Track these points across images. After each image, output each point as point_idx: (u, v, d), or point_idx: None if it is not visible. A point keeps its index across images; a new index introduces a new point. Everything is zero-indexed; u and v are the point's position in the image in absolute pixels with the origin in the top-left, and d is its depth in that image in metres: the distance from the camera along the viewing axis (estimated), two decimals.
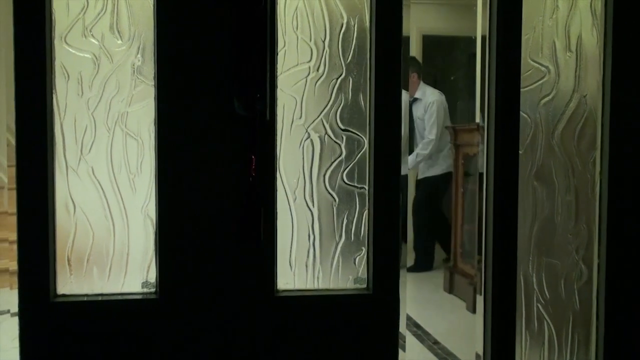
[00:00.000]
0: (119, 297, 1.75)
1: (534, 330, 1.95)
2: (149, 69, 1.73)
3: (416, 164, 4.75)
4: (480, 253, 1.91)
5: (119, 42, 1.72)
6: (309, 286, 1.84)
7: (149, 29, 1.72)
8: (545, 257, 1.94)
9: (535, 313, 1.95)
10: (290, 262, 1.82)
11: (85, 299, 1.74)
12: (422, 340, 3.38)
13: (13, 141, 1.68)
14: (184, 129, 1.72)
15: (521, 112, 1.87)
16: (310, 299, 1.81)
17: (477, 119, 1.96)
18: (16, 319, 1.71)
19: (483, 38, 1.89)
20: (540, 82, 1.91)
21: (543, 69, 1.91)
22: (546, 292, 1.95)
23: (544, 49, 1.91)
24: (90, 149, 1.73)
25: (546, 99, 1.92)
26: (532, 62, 1.90)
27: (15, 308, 1.72)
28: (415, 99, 4.77)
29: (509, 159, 1.86)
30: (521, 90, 1.86)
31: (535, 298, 1.95)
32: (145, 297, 1.76)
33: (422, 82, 4.84)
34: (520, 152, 1.87)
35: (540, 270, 1.94)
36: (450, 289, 4.39)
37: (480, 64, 1.90)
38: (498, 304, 1.89)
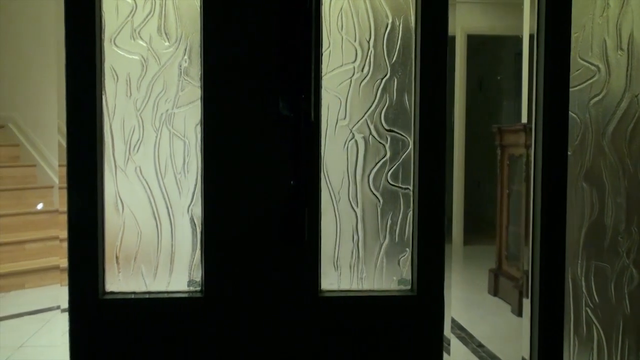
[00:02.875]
0: (165, 296, 1.78)
1: (583, 334, 1.91)
2: (196, 70, 1.75)
3: None
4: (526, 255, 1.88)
5: (167, 43, 1.75)
6: (353, 287, 1.83)
7: (196, 31, 1.74)
8: (595, 260, 1.90)
9: (583, 317, 1.91)
10: (334, 262, 1.82)
11: (132, 296, 1.77)
12: (466, 343, 3.34)
13: (64, 142, 1.72)
14: (230, 129, 1.73)
15: (570, 112, 1.84)
16: (355, 299, 1.81)
17: (523, 119, 1.93)
18: (66, 315, 1.75)
19: (531, 37, 1.86)
20: (590, 81, 1.87)
21: (593, 68, 1.87)
22: (595, 296, 1.91)
23: (594, 48, 1.87)
24: (138, 149, 1.76)
25: (596, 98, 1.88)
26: (581, 61, 1.86)
27: (65, 304, 1.75)
28: None
29: (558, 160, 1.82)
30: (570, 89, 1.83)
31: (583, 302, 1.91)
32: (190, 296, 1.78)
33: None
34: (569, 153, 1.84)
35: (589, 273, 1.90)
36: (495, 291, 4.34)
37: (528, 63, 1.87)
38: (545, 308, 1.86)
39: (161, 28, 1.75)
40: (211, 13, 1.72)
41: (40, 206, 5.29)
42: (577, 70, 1.86)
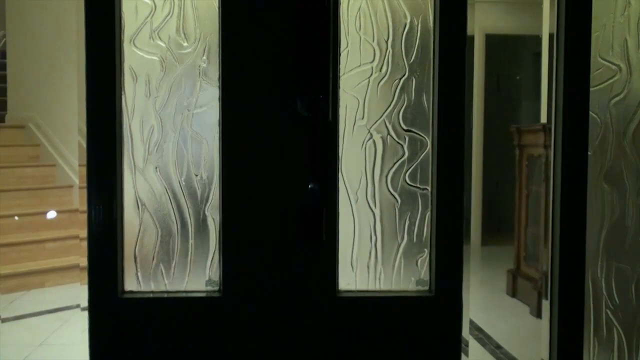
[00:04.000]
0: (184, 295, 1.79)
1: (603, 336, 1.89)
2: (214, 71, 1.75)
3: None
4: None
5: (185, 44, 1.76)
6: (371, 287, 1.83)
7: (215, 32, 1.75)
8: (615, 262, 1.88)
9: (604, 319, 1.89)
10: (351, 262, 1.82)
11: (151, 295, 1.78)
12: (484, 344, 3.33)
13: (84, 143, 1.73)
14: (248, 130, 1.74)
15: (590, 112, 1.82)
16: (372, 300, 1.81)
17: (542, 119, 1.92)
18: (85, 313, 1.77)
19: (550, 36, 1.85)
20: (610, 81, 1.85)
21: (614, 67, 1.85)
22: (616, 298, 1.89)
23: (614, 47, 1.85)
24: (157, 149, 1.77)
25: (617, 98, 1.86)
26: (602, 61, 1.85)
27: (84, 302, 1.77)
28: None
29: (578, 161, 1.81)
30: (590, 89, 1.81)
31: (604, 303, 1.89)
32: (208, 295, 1.79)
33: None
34: (589, 153, 1.82)
35: (609, 274, 1.88)
36: (513, 292, 4.31)
37: (548, 62, 1.85)
38: (565, 309, 1.84)
39: (180, 29, 1.75)
40: (230, 14, 1.72)
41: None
42: (598, 70, 1.84)
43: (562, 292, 1.83)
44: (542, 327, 1.91)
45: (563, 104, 1.81)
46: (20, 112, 6.14)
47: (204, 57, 1.76)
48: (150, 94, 1.76)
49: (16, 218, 5.14)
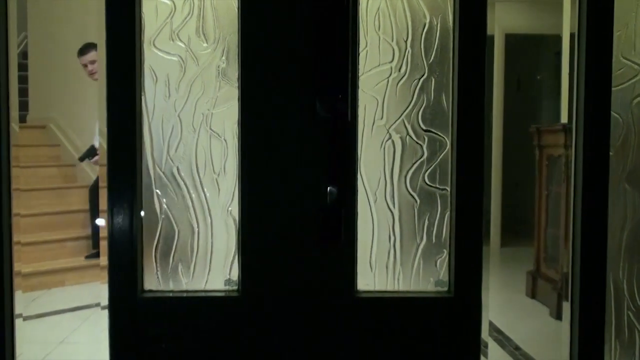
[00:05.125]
0: (203, 294, 1.80)
1: (624, 339, 1.87)
2: (233, 71, 1.76)
3: None
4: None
5: (205, 45, 1.76)
6: (389, 287, 1.82)
7: (234, 32, 1.75)
8: (637, 263, 1.86)
9: (625, 321, 1.87)
10: (370, 263, 1.81)
11: (170, 294, 1.79)
12: (503, 346, 3.30)
13: (104, 144, 1.74)
14: (267, 130, 1.74)
15: (612, 112, 1.80)
16: (391, 300, 1.80)
17: (563, 119, 1.90)
18: (105, 312, 1.78)
19: (572, 35, 1.83)
20: (632, 80, 1.83)
21: (636, 67, 1.83)
22: (638, 300, 1.87)
23: (637, 46, 1.83)
24: (176, 149, 1.78)
25: (639, 98, 1.83)
26: (624, 60, 1.82)
27: (104, 301, 1.78)
28: None
29: (599, 161, 1.79)
30: (612, 89, 1.79)
31: (625, 305, 1.87)
32: (227, 295, 1.79)
33: None
34: (610, 153, 1.80)
35: (631, 276, 1.86)
36: (533, 294, 4.27)
37: (569, 62, 1.84)
38: (585, 311, 1.82)
39: (199, 29, 1.76)
40: (248, 14, 1.73)
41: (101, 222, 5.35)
42: (620, 70, 1.82)
43: (582, 294, 1.82)
44: (562, 329, 1.89)
45: (584, 104, 1.79)
46: (41, 113, 6.18)
47: (223, 58, 1.76)
48: (170, 95, 1.77)
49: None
